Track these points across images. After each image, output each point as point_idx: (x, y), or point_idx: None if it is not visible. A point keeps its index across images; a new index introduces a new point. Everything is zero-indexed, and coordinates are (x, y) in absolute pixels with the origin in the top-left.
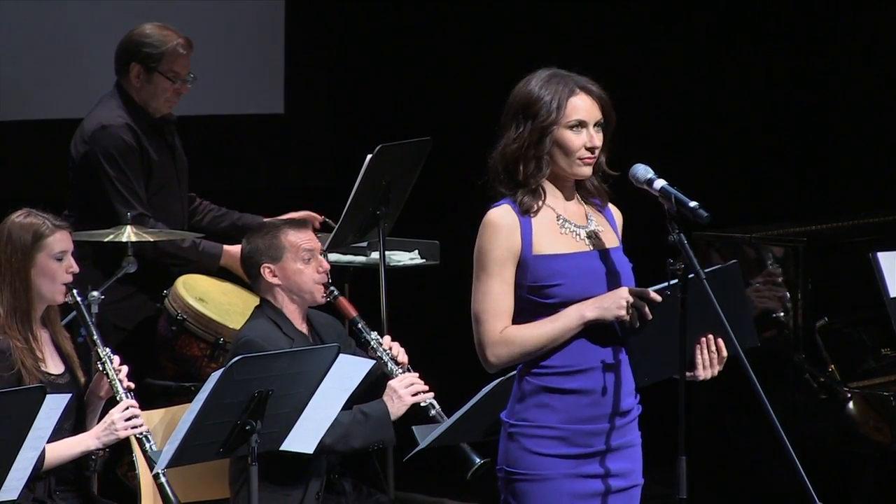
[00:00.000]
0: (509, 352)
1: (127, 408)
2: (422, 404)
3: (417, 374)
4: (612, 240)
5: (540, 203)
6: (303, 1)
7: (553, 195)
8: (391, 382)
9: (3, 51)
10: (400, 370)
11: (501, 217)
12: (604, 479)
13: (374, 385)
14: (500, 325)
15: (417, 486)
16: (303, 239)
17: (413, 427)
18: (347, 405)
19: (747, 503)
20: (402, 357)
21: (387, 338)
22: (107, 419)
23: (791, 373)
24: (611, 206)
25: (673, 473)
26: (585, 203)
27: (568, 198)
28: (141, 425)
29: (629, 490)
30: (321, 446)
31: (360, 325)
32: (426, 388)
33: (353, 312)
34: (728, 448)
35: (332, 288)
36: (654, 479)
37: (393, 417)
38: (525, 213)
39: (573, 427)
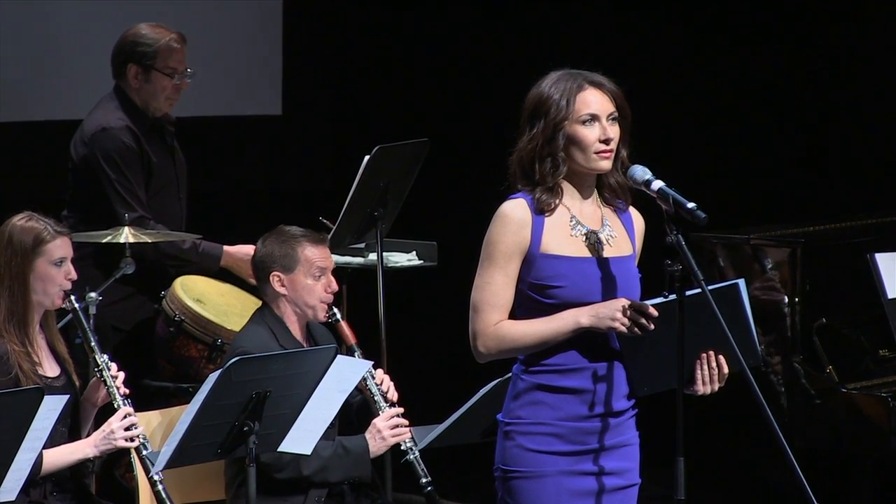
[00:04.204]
0: (499, 345)
1: (125, 416)
2: (402, 447)
3: (402, 411)
4: (624, 248)
5: (556, 202)
6: (300, 2)
7: (570, 195)
8: (376, 420)
9: (2, 52)
10: (387, 406)
11: (514, 210)
12: (600, 477)
13: (357, 411)
14: (496, 318)
15: (415, 488)
16: (318, 255)
17: (411, 428)
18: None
19: None
20: (392, 393)
21: (379, 371)
22: (105, 427)
23: (789, 374)
24: (633, 211)
25: (671, 474)
26: (605, 206)
27: (585, 198)
28: (139, 435)
29: (626, 489)
30: (298, 475)
31: (356, 355)
32: (408, 427)
33: (351, 340)
34: (726, 449)
35: (334, 310)
36: (652, 480)
37: (372, 455)
38: (540, 211)
39: (568, 424)
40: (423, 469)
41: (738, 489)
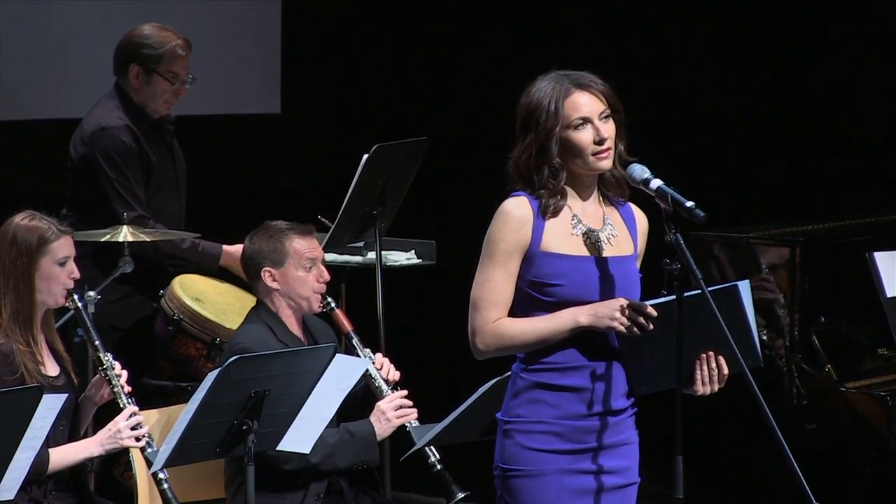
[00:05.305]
0: (498, 343)
1: (131, 415)
2: (407, 427)
3: (406, 393)
4: (625, 247)
5: (560, 203)
6: (300, 1)
7: (571, 196)
8: (379, 403)
9: (1, 52)
10: (389, 389)
11: (515, 208)
12: (599, 476)
13: (361, 400)
14: (495, 315)
15: (413, 486)
16: (307, 247)
17: (409, 428)
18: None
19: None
20: (393, 375)
21: (378, 355)
22: (112, 426)
23: (788, 373)
24: (637, 211)
25: (670, 473)
26: (605, 204)
27: (587, 198)
28: (145, 434)
29: (625, 488)
30: (306, 464)
31: (354, 341)
32: (413, 409)
33: (347, 327)
34: (725, 448)
35: (328, 299)
36: (651, 479)
37: (379, 438)
38: (543, 213)
39: (567, 423)
40: (431, 450)
41: (736, 488)
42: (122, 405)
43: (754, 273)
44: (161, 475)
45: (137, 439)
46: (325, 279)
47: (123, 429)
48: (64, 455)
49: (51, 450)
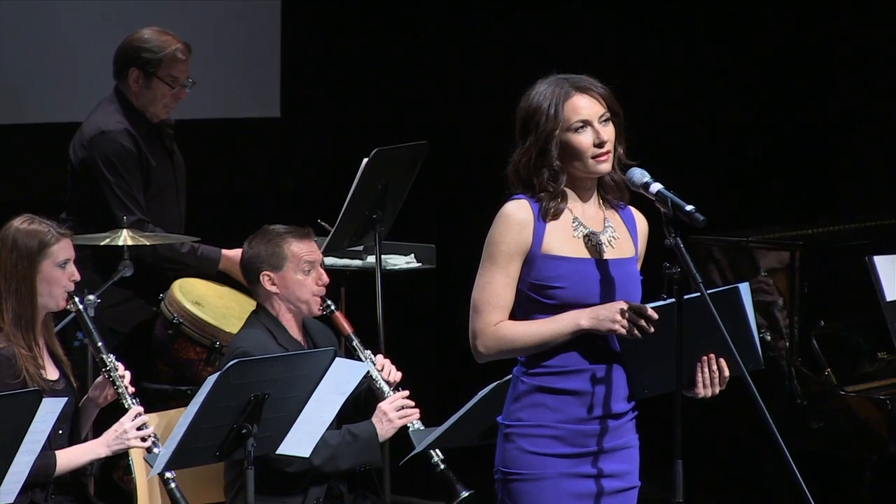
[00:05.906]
0: (499, 346)
1: (136, 415)
2: (409, 428)
3: (408, 393)
4: (626, 250)
5: (561, 206)
6: (299, 4)
7: (572, 198)
8: (381, 404)
9: (1, 54)
10: (390, 391)
11: (516, 211)
12: (599, 480)
13: (364, 401)
14: (497, 318)
15: (414, 489)
16: (305, 250)
17: (409, 431)
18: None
19: None
20: (394, 376)
21: (379, 356)
22: (118, 427)
23: (788, 376)
24: (636, 213)
25: (670, 477)
26: (606, 207)
27: (587, 200)
28: (151, 435)
29: (626, 491)
30: (309, 466)
31: (354, 343)
32: (415, 409)
33: (348, 329)
34: (725, 451)
35: (328, 302)
36: (651, 483)
37: (381, 440)
38: (544, 215)
39: (568, 426)
40: (434, 450)
41: (736, 492)
42: (126, 406)
43: (753, 277)
44: (168, 475)
45: (143, 440)
46: (324, 282)
47: (129, 429)
48: (70, 457)
49: (57, 452)
